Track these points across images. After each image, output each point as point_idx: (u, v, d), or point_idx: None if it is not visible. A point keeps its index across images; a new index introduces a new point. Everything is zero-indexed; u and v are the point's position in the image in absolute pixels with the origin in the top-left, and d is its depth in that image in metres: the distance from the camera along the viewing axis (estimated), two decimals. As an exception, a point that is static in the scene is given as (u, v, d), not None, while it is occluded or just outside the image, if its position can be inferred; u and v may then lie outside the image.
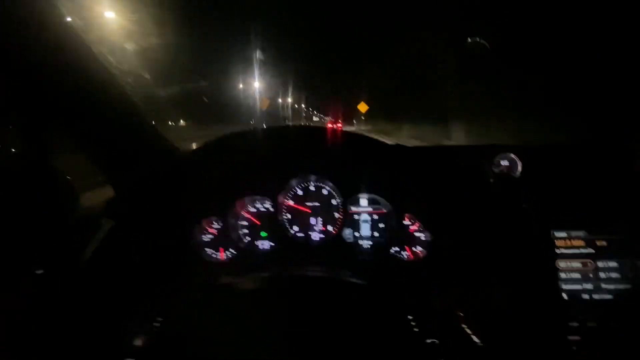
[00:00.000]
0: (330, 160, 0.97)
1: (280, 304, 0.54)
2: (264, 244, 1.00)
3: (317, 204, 1.01)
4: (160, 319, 0.54)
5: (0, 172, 0.76)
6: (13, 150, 0.80)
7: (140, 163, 0.85)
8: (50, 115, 0.72)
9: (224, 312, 0.55)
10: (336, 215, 1.00)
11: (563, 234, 0.81)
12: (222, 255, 0.98)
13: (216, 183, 0.91)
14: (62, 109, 0.71)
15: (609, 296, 0.78)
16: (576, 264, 0.80)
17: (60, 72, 0.66)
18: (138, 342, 0.51)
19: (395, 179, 0.94)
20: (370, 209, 1.00)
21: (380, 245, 0.99)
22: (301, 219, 1.01)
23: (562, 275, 0.79)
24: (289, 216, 1.01)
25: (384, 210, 0.99)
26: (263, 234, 1.00)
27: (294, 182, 1.00)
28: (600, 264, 0.80)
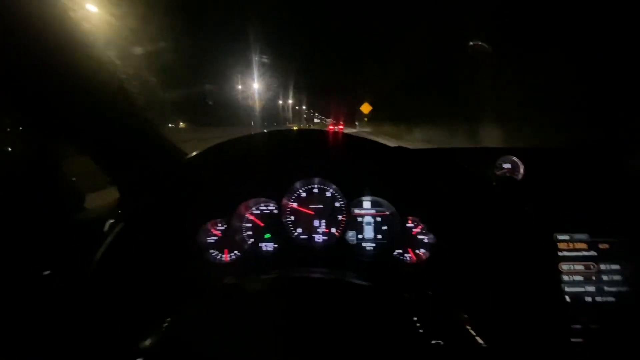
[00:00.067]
0: (333, 163, 0.98)
1: (284, 305, 0.55)
2: (268, 246, 1.01)
3: (320, 206, 1.02)
4: (168, 319, 0.55)
5: (1, 173, 0.77)
6: (13, 150, 0.81)
7: (145, 165, 0.85)
8: (54, 117, 0.73)
9: (229, 313, 0.55)
10: (339, 217, 1.01)
11: (565, 237, 0.81)
12: (226, 256, 0.98)
13: (221, 185, 0.92)
14: (66, 110, 0.71)
15: (611, 299, 0.79)
16: (579, 267, 0.80)
17: (63, 74, 0.67)
18: (146, 342, 0.52)
19: (398, 181, 0.94)
20: (373, 211, 1.01)
21: (383, 247, 0.99)
22: (305, 221, 1.02)
23: (565, 277, 0.80)
24: (293, 218, 1.02)
25: (387, 213, 1.00)
26: (267, 235, 1.01)
27: (297, 184, 1.01)
28: (602, 266, 0.80)
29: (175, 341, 0.51)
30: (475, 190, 0.81)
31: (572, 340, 0.75)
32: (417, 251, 0.96)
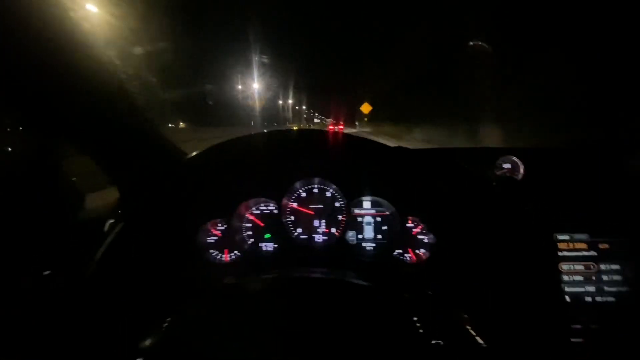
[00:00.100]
0: (333, 163, 0.98)
1: (284, 305, 0.55)
2: (268, 246, 1.01)
3: (320, 206, 1.02)
4: (168, 319, 0.55)
5: (1, 173, 0.77)
6: (13, 150, 0.81)
7: (145, 165, 0.85)
8: (54, 117, 0.73)
9: (229, 313, 0.55)
10: (339, 217, 1.01)
11: (566, 237, 0.81)
12: (226, 256, 0.98)
13: (221, 185, 0.92)
14: (67, 110, 0.71)
15: (611, 299, 0.79)
16: (579, 267, 0.80)
17: (63, 74, 0.67)
18: (147, 342, 0.52)
19: (398, 181, 0.94)
20: (373, 211, 1.01)
21: (383, 247, 0.99)
22: (304, 221, 1.02)
23: (565, 277, 0.80)
24: (293, 218, 1.02)
25: (387, 213, 1.00)
26: (267, 235, 1.01)
27: (297, 184, 1.01)
28: (602, 266, 0.80)
29: (176, 341, 0.51)
30: (475, 190, 0.81)
31: (572, 340, 0.75)
32: (417, 251, 0.97)
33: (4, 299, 0.69)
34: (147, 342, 0.51)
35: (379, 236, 1.00)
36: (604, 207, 0.84)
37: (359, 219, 1.01)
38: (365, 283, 0.62)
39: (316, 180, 1.01)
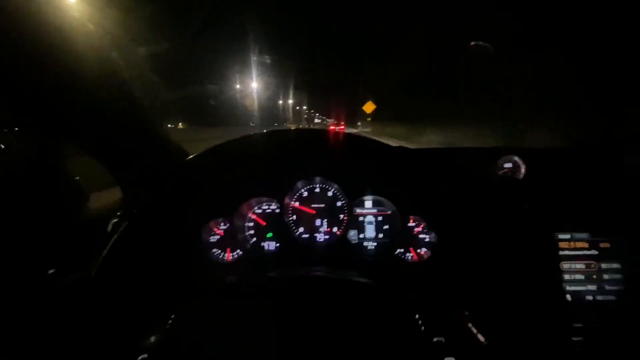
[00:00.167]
0: (335, 163, 0.98)
1: (286, 304, 0.55)
2: (270, 245, 1.01)
3: (322, 205, 1.02)
4: (171, 318, 0.55)
5: (3, 172, 0.77)
6: (13, 150, 0.81)
7: (148, 165, 0.86)
8: (57, 117, 0.73)
9: (232, 311, 0.56)
10: (341, 216, 1.01)
11: (567, 236, 0.82)
12: (228, 255, 0.99)
13: (223, 185, 0.93)
14: (69, 110, 0.72)
15: (612, 297, 0.79)
16: (580, 266, 0.81)
17: (66, 74, 0.67)
18: (150, 341, 0.52)
19: (400, 180, 0.94)
20: (375, 211, 1.01)
21: (385, 246, 1.00)
22: (306, 221, 1.02)
23: (566, 276, 0.80)
24: (295, 217, 1.02)
25: (389, 212, 1.00)
26: (269, 235, 1.01)
27: (299, 184, 1.01)
28: (603, 265, 0.80)
29: (179, 339, 0.51)
30: (477, 189, 0.82)
31: (573, 338, 0.75)
32: (418, 250, 0.97)
33: (8, 298, 0.69)
34: (151, 341, 0.52)
35: (381, 235, 1.01)
36: (605, 207, 0.85)
37: (361, 218, 1.01)
38: (367, 281, 0.62)
39: (318, 179, 1.02)
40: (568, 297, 0.79)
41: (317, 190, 1.03)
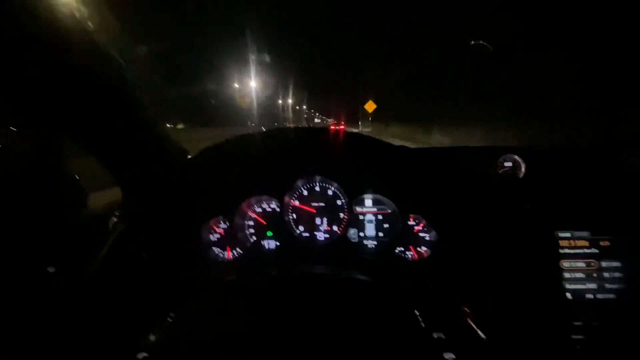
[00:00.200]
0: (335, 161, 0.98)
1: (286, 302, 0.55)
2: (270, 244, 1.01)
3: (322, 204, 1.02)
4: (171, 316, 0.55)
5: (3, 172, 0.77)
6: (12, 150, 0.81)
7: (148, 164, 0.86)
8: (57, 116, 0.73)
9: (232, 309, 0.56)
10: (341, 215, 1.01)
11: (567, 234, 0.82)
12: (228, 254, 0.99)
13: (223, 184, 0.93)
14: (69, 109, 0.72)
15: (612, 296, 0.79)
16: (580, 264, 0.81)
17: (66, 73, 0.67)
18: (150, 339, 0.52)
19: (400, 179, 0.94)
20: (375, 209, 1.01)
21: (385, 245, 1.00)
22: (307, 219, 1.02)
23: (566, 275, 0.80)
24: (295, 216, 1.02)
25: (389, 211, 1.00)
26: (269, 233, 1.01)
27: (299, 182, 1.01)
28: (604, 264, 0.80)
29: (178, 338, 0.51)
30: (477, 188, 0.82)
31: (574, 337, 0.75)
32: (418, 249, 0.97)
33: (8, 297, 0.69)
34: (151, 339, 0.52)
35: (381, 234, 1.01)
36: (605, 205, 0.85)
37: (361, 217, 1.01)
38: (366, 278, 0.62)
39: (318, 178, 1.02)
40: (568, 295, 0.79)
41: (317, 189, 1.03)
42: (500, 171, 1.12)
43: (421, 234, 0.97)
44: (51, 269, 0.73)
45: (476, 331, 0.51)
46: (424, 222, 0.96)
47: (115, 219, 0.82)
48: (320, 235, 1.01)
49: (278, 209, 1.01)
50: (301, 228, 1.02)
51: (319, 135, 0.96)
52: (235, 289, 0.65)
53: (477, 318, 0.54)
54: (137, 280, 0.77)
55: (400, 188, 0.96)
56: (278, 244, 1.01)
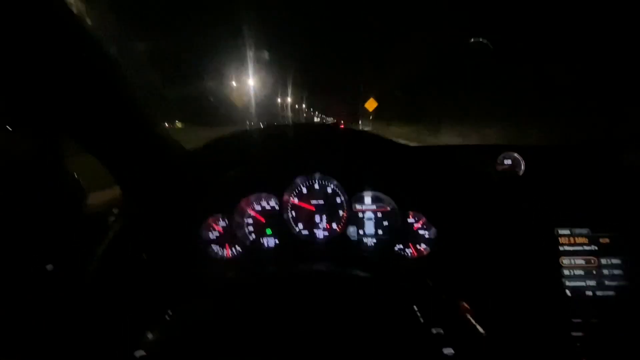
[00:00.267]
0: (334, 159, 0.98)
1: (285, 300, 0.55)
2: (269, 242, 1.01)
3: (321, 202, 1.02)
4: (170, 314, 0.55)
5: (3, 170, 0.77)
6: (12, 150, 0.81)
7: (147, 162, 0.85)
8: (56, 114, 0.72)
9: (231, 307, 0.56)
10: (340, 213, 1.01)
11: (566, 232, 0.82)
12: (228, 252, 0.99)
13: (222, 181, 0.92)
14: (69, 108, 0.71)
15: (612, 293, 0.79)
16: (580, 261, 0.81)
17: (65, 72, 0.67)
18: (149, 337, 0.52)
19: (399, 176, 0.94)
20: (374, 207, 1.01)
21: (384, 242, 1.00)
22: (306, 217, 1.02)
23: (566, 272, 0.80)
24: (294, 214, 1.02)
25: (388, 208, 1.00)
26: (268, 231, 1.01)
27: (298, 180, 1.01)
28: (603, 261, 0.81)
29: (178, 335, 0.51)
30: (477, 185, 0.82)
31: (573, 333, 0.75)
32: (417, 246, 0.97)
33: (7, 295, 0.69)
34: (149, 336, 0.51)
35: (380, 232, 1.00)
36: (605, 203, 0.85)
37: (360, 215, 1.01)
38: (366, 275, 0.62)
39: (317, 175, 1.01)
40: (568, 292, 0.79)
41: (316, 186, 1.02)
42: (500, 169, 1.12)
43: (420, 232, 0.97)
44: (49, 267, 0.73)
45: (475, 327, 0.51)
46: (423, 219, 0.96)
47: (114, 217, 0.81)
48: (320, 233, 1.01)
49: (277, 207, 1.01)
50: (300, 226, 1.02)
51: (317, 132, 0.95)
52: (234, 286, 0.65)
53: (476, 314, 0.54)
54: (136, 278, 0.76)
55: (399, 185, 0.96)
56: (277, 241, 1.01)
